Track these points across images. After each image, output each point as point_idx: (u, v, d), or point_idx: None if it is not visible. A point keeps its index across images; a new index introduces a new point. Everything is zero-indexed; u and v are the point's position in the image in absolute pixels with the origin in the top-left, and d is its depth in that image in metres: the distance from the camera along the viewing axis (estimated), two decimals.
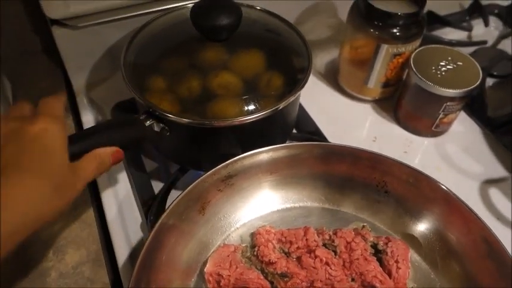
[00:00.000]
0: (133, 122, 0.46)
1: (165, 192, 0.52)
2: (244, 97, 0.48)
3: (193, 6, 0.50)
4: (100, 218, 0.53)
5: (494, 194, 0.57)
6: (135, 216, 0.52)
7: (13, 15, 0.63)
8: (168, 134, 0.47)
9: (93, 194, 0.55)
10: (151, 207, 0.50)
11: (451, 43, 0.73)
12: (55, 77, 0.66)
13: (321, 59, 0.73)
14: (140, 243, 0.50)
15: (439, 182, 0.47)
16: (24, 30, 0.65)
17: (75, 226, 0.50)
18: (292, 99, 0.47)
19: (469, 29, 0.79)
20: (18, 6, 0.63)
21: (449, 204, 0.46)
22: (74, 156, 0.39)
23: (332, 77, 0.70)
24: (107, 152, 0.42)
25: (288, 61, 0.53)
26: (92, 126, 0.45)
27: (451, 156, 0.61)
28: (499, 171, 0.60)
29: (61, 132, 0.37)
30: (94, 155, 0.41)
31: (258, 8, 0.57)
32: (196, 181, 0.45)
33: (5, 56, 0.62)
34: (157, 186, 0.54)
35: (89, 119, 0.62)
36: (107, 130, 0.44)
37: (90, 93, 0.65)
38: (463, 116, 0.65)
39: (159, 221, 0.42)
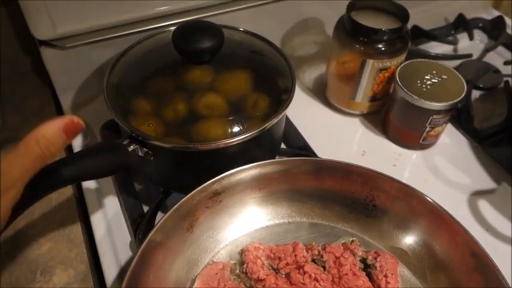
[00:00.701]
0: (116, 148, 0.45)
1: (154, 210, 0.52)
2: (230, 118, 0.48)
3: (174, 30, 0.50)
4: (89, 237, 0.53)
5: (483, 205, 0.57)
6: (124, 235, 0.52)
7: (4, 39, 0.63)
8: (152, 158, 0.47)
9: (81, 212, 0.54)
10: (140, 225, 0.50)
11: (437, 57, 0.74)
12: (44, 96, 0.66)
13: (309, 74, 0.74)
14: (129, 263, 0.50)
15: (426, 195, 0.47)
16: (14, 52, 0.66)
17: (63, 246, 0.50)
18: (276, 120, 0.48)
19: (455, 42, 0.80)
20: (8, 29, 0.64)
21: (437, 217, 0.46)
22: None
23: (320, 92, 0.71)
24: (53, 129, 0.31)
25: (272, 82, 0.53)
26: (71, 155, 0.43)
27: (439, 168, 0.61)
28: (487, 182, 0.60)
29: None
30: (27, 144, 0.30)
31: (241, 29, 0.58)
32: (184, 198, 0.45)
33: None
34: (146, 204, 0.54)
35: (77, 138, 0.62)
36: (86, 159, 0.42)
37: (79, 112, 0.65)
38: (450, 128, 0.66)
39: (147, 238, 0.42)
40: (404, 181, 0.49)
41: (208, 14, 0.63)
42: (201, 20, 0.51)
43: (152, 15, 0.61)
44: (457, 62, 0.75)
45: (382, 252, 0.47)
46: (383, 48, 0.58)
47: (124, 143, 0.46)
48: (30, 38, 0.58)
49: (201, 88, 0.50)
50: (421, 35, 0.79)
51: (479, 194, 0.59)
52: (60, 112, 0.65)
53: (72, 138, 0.33)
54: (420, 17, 0.79)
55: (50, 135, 0.31)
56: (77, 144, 0.62)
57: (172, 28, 0.56)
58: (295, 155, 0.59)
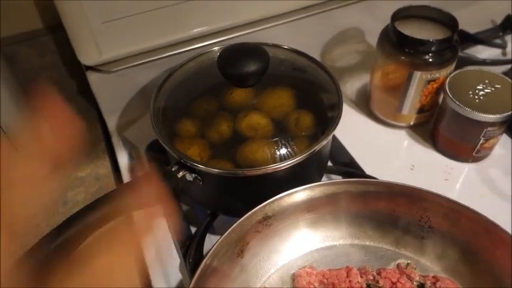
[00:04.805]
0: (166, 176, 0.45)
1: (202, 233, 0.51)
2: (275, 139, 0.47)
3: (219, 54, 0.50)
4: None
5: None
6: (173, 257, 0.52)
7: (50, 65, 0.65)
8: (201, 183, 0.47)
9: None
10: (189, 248, 0.50)
11: (485, 62, 0.71)
12: (90, 117, 0.68)
13: (351, 86, 0.72)
14: (180, 286, 0.50)
15: (480, 213, 0.44)
16: (61, 76, 0.68)
17: None
18: (325, 142, 0.47)
19: (503, 45, 0.76)
20: (55, 56, 0.65)
21: (494, 236, 0.44)
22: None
23: (364, 104, 0.69)
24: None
25: (317, 99, 0.52)
26: (116, 189, 0.40)
27: (495, 181, 0.58)
28: None
29: None
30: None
31: (285, 47, 0.56)
32: (234, 225, 0.44)
33: None
34: (194, 225, 0.54)
35: (124, 159, 0.63)
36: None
37: (125, 133, 0.66)
38: (505, 138, 0.63)
39: (200, 267, 0.41)
40: (458, 196, 0.46)
41: (247, 32, 0.63)
42: (246, 43, 0.50)
43: (193, 36, 0.61)
44: (507, 67, 0.71)
45: (441, 277, 0.45)
46: (431, 60, 0.56)
47: (173, 169, 0.46)
48: (76, 63, 0.59)
49: (245, 108, 0.50)
50: (468, 39, 0.75)
51: None
52: (106, 133, 0.66)
53: None
54: (465, 20, 0.76)
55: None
56: (123, 164, 0.62)
57: (214, 48, 0.57)
58: (342, 172, 0.57)
